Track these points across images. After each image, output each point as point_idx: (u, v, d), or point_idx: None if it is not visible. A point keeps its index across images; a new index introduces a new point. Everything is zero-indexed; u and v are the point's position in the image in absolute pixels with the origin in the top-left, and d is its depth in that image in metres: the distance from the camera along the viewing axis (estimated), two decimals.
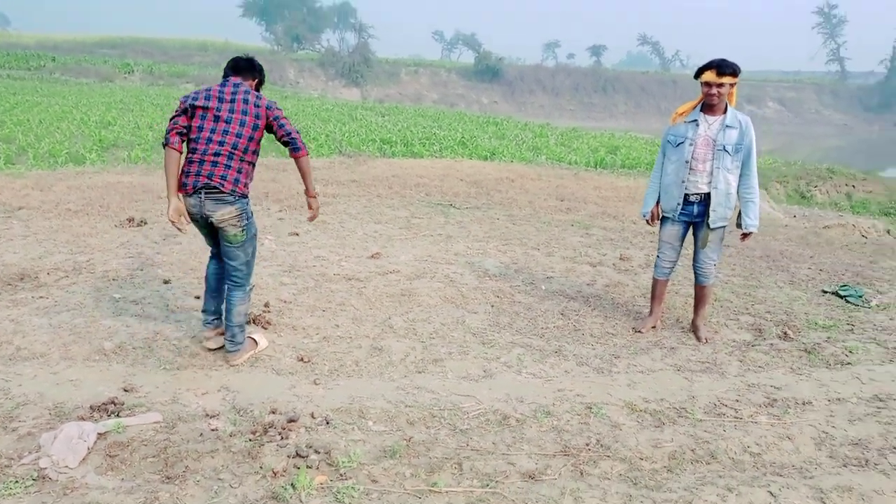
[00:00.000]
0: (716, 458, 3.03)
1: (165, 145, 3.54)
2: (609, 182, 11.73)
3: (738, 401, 3.61)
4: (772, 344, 4.45)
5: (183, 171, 3.58)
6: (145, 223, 6.77)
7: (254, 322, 4.31)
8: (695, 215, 4.34)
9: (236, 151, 3.53)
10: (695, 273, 4.52)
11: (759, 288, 5.74)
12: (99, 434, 2.93)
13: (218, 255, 3.91)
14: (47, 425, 3.02)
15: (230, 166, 3.52)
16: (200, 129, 3.53)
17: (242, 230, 3.61)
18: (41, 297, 4.61)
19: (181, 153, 3.56)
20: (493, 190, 10.09)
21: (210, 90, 3.60)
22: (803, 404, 3.59)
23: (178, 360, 3.79)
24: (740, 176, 4.24)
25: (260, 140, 3.66)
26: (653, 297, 4.67)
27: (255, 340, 3.92)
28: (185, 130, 3.56)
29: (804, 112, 57.21)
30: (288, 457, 2.86)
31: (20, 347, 3.82)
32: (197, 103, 3.53)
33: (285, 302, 4.78)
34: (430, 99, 46.70)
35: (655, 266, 4.61)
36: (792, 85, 61.71)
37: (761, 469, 2.96)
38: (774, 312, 5.08)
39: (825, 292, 5.69)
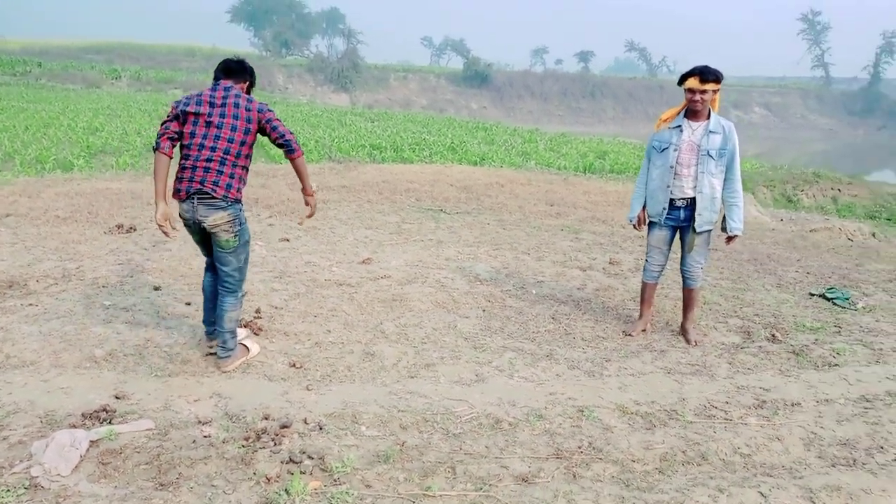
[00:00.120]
0: (706, 460, 3.06)
1: (156, 150, 3.54)
2: (598, 187, 11.80)
3: (727, 403, 3.65)
4: (760, 346, 4.50)
5: (176, 176, 3.58)
6: (134, 230, 6.75)
7: (246, 326, 4.30)
8: (681, 220, 4.39)
9: (229, 156, 3.53)
10: (683, 277, 4.56)
11: (747, 291, 5.80)
12: (91, 442, 2.92)
13: (213, 267, 3.91)
14: (38, 433, 3.01)
15: (223, 172, 3.52)
16: (193, 134, 3.53)
17: (235, 236, 3.62)
18: (30, 304, 4.58)
19: (171, 158, 3.56)
20: (483, 195, 10.12)
21: (201, 95, 3.59)
22: (792, 405, 3.63)
23: (170, 367, 3.78)
24: (724, 180, 4.30)
25: (252, 144, 3.65)
26: (642, 301, 4.71)
27: (246, 347, 3.91)
28: (176, 136, 3.56)
29: (790, 117, 57.76)
30: (281, 463, 2.86)
31: (10, 355, 3.79)
32: (188, 109, 3.53)
33: (276, 308, 4.78)
34: (420, 104, 46.75)
35: (644, 270, 4.65)
36: (778, 90, 62.30)
37: (751, 470, 2.99)
38: (763, 315, 5.13)
39: (812, 295, 5.76)
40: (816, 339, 4.64)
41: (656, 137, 4.42)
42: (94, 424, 3.09)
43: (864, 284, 6.16)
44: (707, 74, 4.11)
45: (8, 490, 2.58)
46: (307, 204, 3.92)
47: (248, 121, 3.56)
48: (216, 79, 3.69)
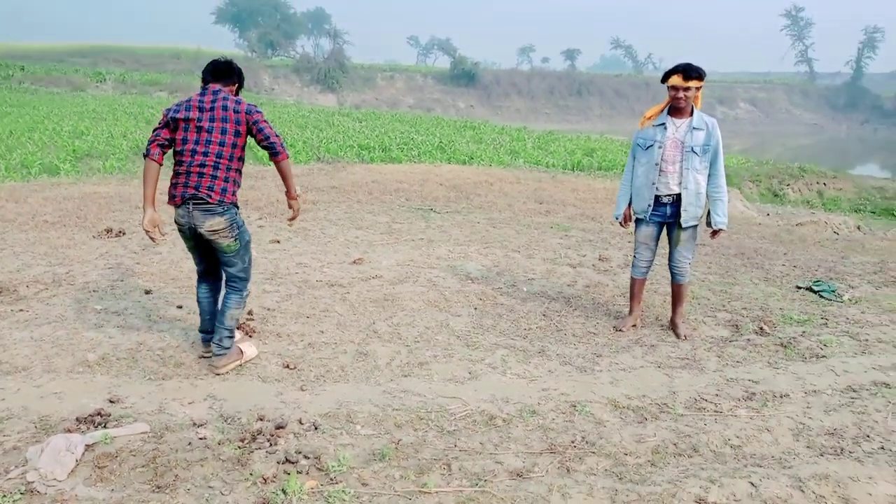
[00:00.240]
0: (698, 452, 3.11)
1: (146, 156, 3.53)
2: (586, 184, 11.87)
3: (717, 395, 3.70)
4: (749, 339, 4.56)
5: (171, 182, 3.59)
6: (124, 234, 6.72)
7: (238, 329, 4.31)
8: (667, 216, 4.45)
9: (222, 160, 3.53)
10: (671, 272, 4.62)
11: (735, 285, 5.86)
12: (86, 446, 2.92)
13: (206, 276, 3.90)
14: (33, 438, 3.01)
15: (216, 176, 3.52)
16: (185, 140, 3.53)
17: (235, 239, 3.62)
18: (21, 310, 4.56)
19: (160, 165, 3.56)
20: (472, 194, 10.16)
21: (190, 101, 3.59)
22: (781, 397, 3.69)
23: (163, 370, 3.78)
24: (708, 176, 4.35)
25: (244, 146, 3.65)
26: (632, 297, 4.76)
27: (241, 350, 3.90)
28: (166, 142, 3.56)
29: (775, 112, 58.25)
30: (277, 463, 2.88)
31: (2, 361, 3.77)
32: (178, 115, 3.53)
33: (269, 309, 4.79)
34: (407, 104, 46.72)
35: (633, 266, 4.70)
36: (762, 86, 62.82)
37: (742, 460, 3.04)
38: (750, 308, 5.20)
39: (799, 288, 5.83)
40: (804, 332, 4.71)
41: (641, 135, 4.47)
42: (88, 428, 3.09)
43: (849, 277, 6.25)
44: (690, 72, 4.16)
45: (4, 495, 2.58)
46: (290, 207, 3.91)
47: (238, 123, 3.56)
48: (205, 81, 3.69)
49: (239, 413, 3.32)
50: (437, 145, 15.87)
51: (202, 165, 3.50)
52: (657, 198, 4.41)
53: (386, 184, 10.52)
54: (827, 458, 3.06)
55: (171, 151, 3.65)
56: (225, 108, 3.55)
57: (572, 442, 3.15)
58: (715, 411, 3.52)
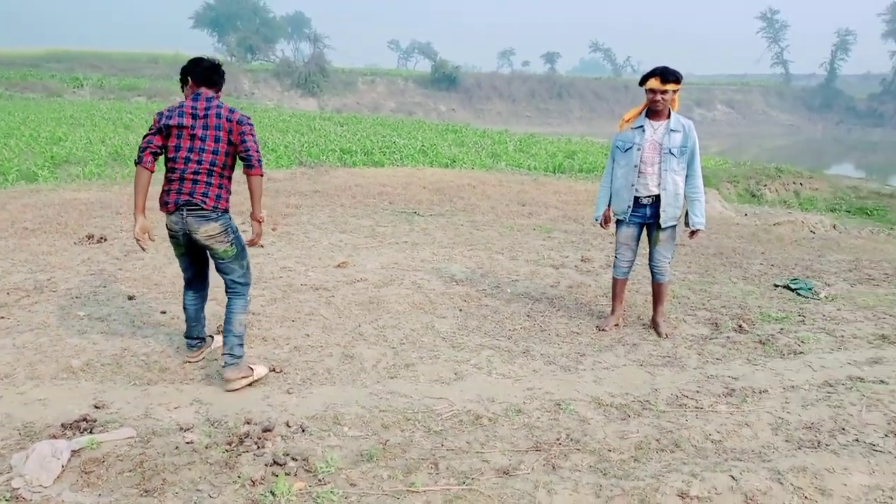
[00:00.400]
0: (679, 447, 3.17)
1: (138, 163, 3.50)
2: (568, 186, 11.98)
3: (698, 392, 3.77)
4: (728, 337, 4.65)
5: (163, 189, 3.56)
6: (105, 240, 6.67)
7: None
8: (647, 217, 4.52)
9: (215, 168, 3.51)
10: (651, 272, 4.69)
11: (714, 284, 5.96)
12: (72, 451, 2.91)
13: (192, 283, 3.89)
14: (17, 445, 2.99)
15: (210, 183, 3.51)
16: (178, 148, 3.50)
17: (231, 244, 3.60)
18: (2, 317, 4.51)
19: (153, 172, 3.54)
20: (455, 197, 10.21)
21: (183, 107, 3.54)
22: (760, 393, 3.77)
23: (148, 376, 3.77)
24: (686, 177, 4.44)
25: (235, 154, 3.62)
26: (614, 297, 4.83)
27: (251, 368, 3.74)
28: (159, 150, 3.53)
29: (752, 114, 59.03)
30: (265, 465, 2.89)
31: None
32: (172, 122, 3.49)
33: (254, 314, 4.78)
34: (388, 108, 46.72)
35: (614, 266, 4.77)
36: (739, 88, 63.65)
37: (723, 455, 3.11)
38: (729, 307, 5.30)
39: (777, 286, 5.95)
40: (781, 329, 4.81)
41: (620, 137, 4.54)
42: (74, 434, 3.08)
43: (825, 275, 6.38)
44: (668, 75, 4.25)
45: None
46: (254, 230, 3.67)
47: (230, 132, 3.52)
48: (196, 84, 3.59)
49: (225, 417, 3.33)
50: (419, 149, 15.91)
51: (196, 173, 3.48)
52: (637, 199, 4.48)
53: (369, 187, 10.54)
54: (804, 451, 3.14)
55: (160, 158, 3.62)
56: (218, 117, 3.51)
57: (557, 439, 3.20)
58: (696, 407, 3.58)
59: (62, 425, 3.14)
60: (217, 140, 3.51)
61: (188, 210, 3.50)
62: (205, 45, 57.91)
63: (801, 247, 8.04)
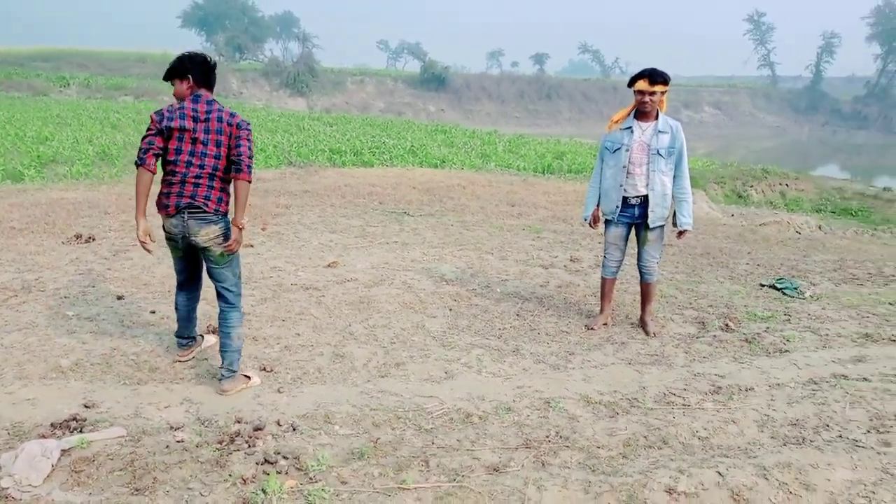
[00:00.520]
0: (667, 444, 3.21)
1: (139, 165, 3.43)
2: (557, 187, 12.03)
3: (685, 389, 3.82)
4: (715, 335, 4.70)
5: (162, 192, 3.52)
6: (93, 239, 6.64)
7: (214, 332, 4.31)
8: (635, 217, 4.57)
9: (217, 172, 3.48)
10: (639, 271, 4.74)
11: (701, 283, 6.03)
12: (62, 451, 2.91)
13: (185, 285, 3.87)
14: (6, 445, 2.98)
15: (212, 186, 3.48)
16: (179, 151, 3.45)
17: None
18: None
19: (154, 174, 3.50)
20: (445, 197, 10.23)
21: (183, 109, 3.47)
22: (746, 390, 3.82)
23: (138, 375, 3.77)
24: (674, 177, 4.49)
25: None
26: (602, 296, 4.87)
27: (247, 377, 3.74)
28: (161, 152, 3.48)
29: (739, 115, 59.46)
30: (256, 464, 2.90)
31: None
32: (173, 124, 3.43)
33: (244, 313, 4.77)
34: (377, 108, 46.65)
35: (603, 266, 4.81)
36: (727, 90, 64.08)
37: (709, 451, 3.15)
38: (716, 306, 5.35)
39: (763, 285, 6.01)
40: (767, 328, 4.87)
41: (608, 138, 4.59)
42: (64, 434, 3.07)
43: (811, 274, 6.46)
44: (656, 77, 4.30)
45: None
46: (233, 235, 3.54)
47: (230, 136, 3.48)
48: (198, 84, 3.52)
49: (216, 416, 3.33)
50: (408, 149, 15.92)
51: (198, 177, 3.44)
52: (625, 199, 4.53)
53: (359, 187, 10.54)
54: (789, 447, 3.19)
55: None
56: (220, 121, 3.46)
57: (547, 437, 3.23)
58: (683, 405, 3.63)
59: (52, 425, 3.13)
60: (219, 144, 3.46)
61: (189, 213, 3.46)
62: (193, 45, 57.37)
63: (786, 247, 8.13)
